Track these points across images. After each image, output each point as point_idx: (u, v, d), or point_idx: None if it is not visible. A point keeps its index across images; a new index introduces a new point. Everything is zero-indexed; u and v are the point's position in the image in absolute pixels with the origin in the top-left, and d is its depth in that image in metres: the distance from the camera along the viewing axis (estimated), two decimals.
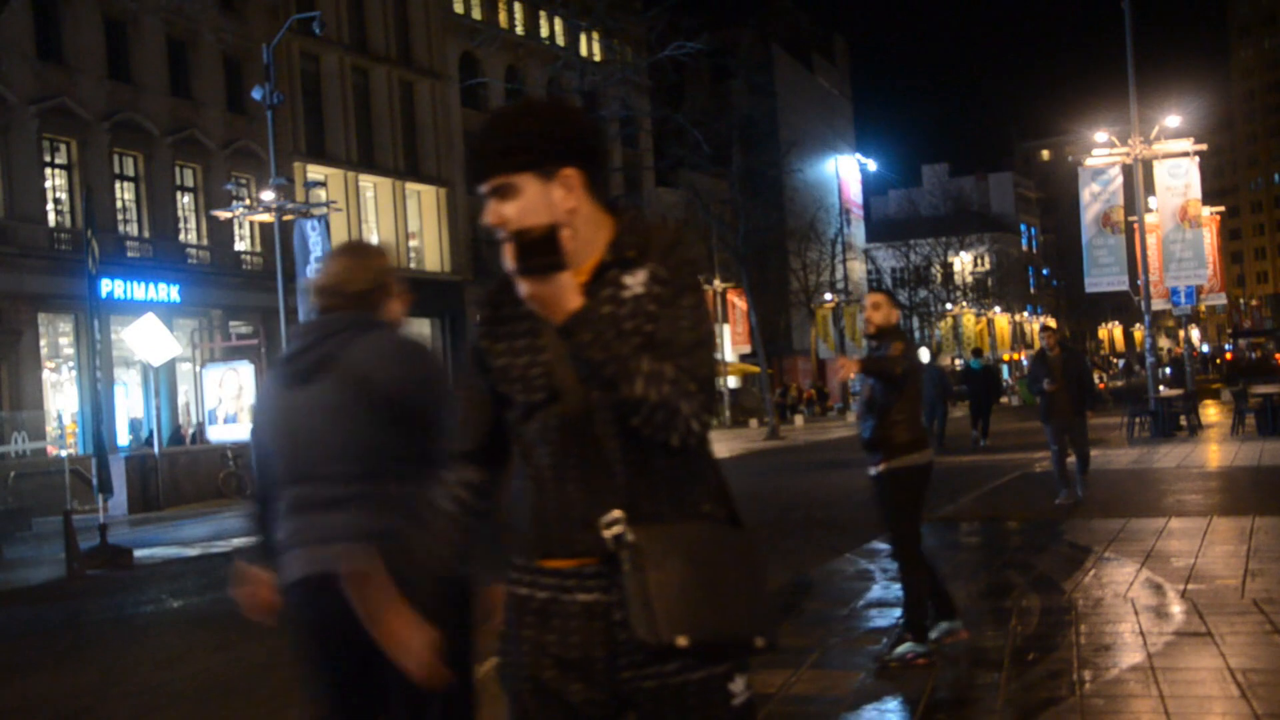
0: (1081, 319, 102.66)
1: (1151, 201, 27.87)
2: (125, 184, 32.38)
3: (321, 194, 29.27)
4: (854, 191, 76.48)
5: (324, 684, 3.13)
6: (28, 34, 29.32)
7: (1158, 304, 30.11)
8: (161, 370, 25.49)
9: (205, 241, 34.29)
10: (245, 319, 34.87)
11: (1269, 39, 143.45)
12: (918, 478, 6.21)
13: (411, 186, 42.55)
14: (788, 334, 62.50)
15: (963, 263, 76.56)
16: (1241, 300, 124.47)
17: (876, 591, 8.33)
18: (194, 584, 11.80)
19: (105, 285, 27.35)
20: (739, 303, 48.32)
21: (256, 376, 23.61)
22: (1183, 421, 23.20)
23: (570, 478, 2.09)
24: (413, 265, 41.80)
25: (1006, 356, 78.34)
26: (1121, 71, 25.20)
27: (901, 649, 6.05)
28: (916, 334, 68.94)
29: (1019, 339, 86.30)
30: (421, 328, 39.31)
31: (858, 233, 76.74)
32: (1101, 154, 26.38)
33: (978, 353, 29.03)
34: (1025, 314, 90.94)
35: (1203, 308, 40.06)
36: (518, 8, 48.85)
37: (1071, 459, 12.89)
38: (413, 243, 42.69)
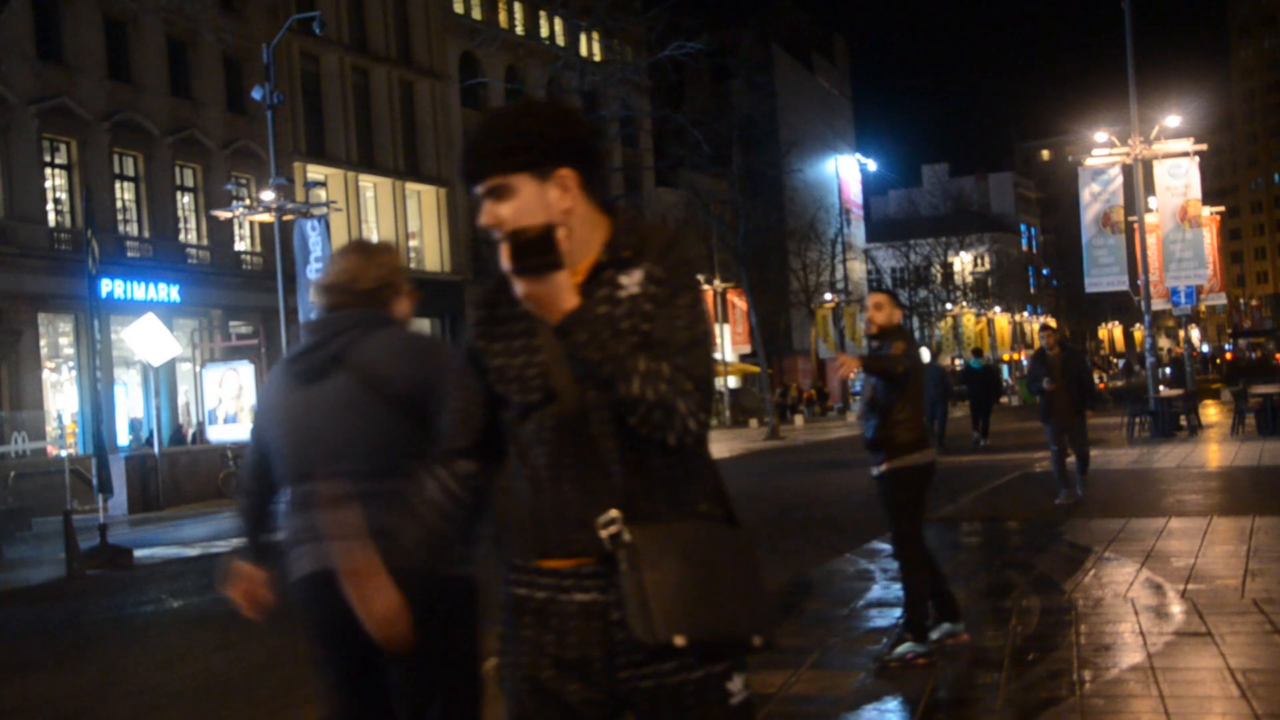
0: (1081, 319, 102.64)
1: (1151, 201, 27.87)
2: (125, 184, 32.38)
3: (321, 194, 29.25)
4: (854, 191, 76.49)
5: (332, 679, 3.16)
6: (28, 34, 29.32)
7: (1158, 304, 30.12)
8: (161, 370, 25.49)
9: (205, 241, 34.29)
10: (245, 319, 34.87)
11: (1269, 39, 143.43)
12: (920, 478, 6.20)
13: (411, 186, 42.56)
14: (788, 334, 62.50)
15: (963, 263, 76.57)
16: (1241, 300, 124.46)
17: (876, 591, 8.33)
18: (194, 584, 11.79)
19: (105, 285, 27.35)
20: (739, 303, 48.34)
21: (256, 376, 23.63)
22: (1183, 421, 23.19)
23: (567, 478, 2.09)
24: (413, 265, 41.75)
25: (1006, 356, 78.36)
26: (1121, 71, 25.22)
27: (901, 649, 6.04)
28: (916, 334, 68.89)
29: (1019, 339, 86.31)
30: (421, 328, 39.23)
31: (858, 233, 76.75)
32: (1101, 154, 26.38)
33: (978, 353, 29.04)
34: (1025, 314, 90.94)
35: (1203, 308, 40.08)
36: (518, 8, 48.86)
37: (1071, 459, 12.89)
38: (413, 243, 42.69)
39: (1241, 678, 5.40)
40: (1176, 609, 7.05)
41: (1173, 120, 28.17)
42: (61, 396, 30.41)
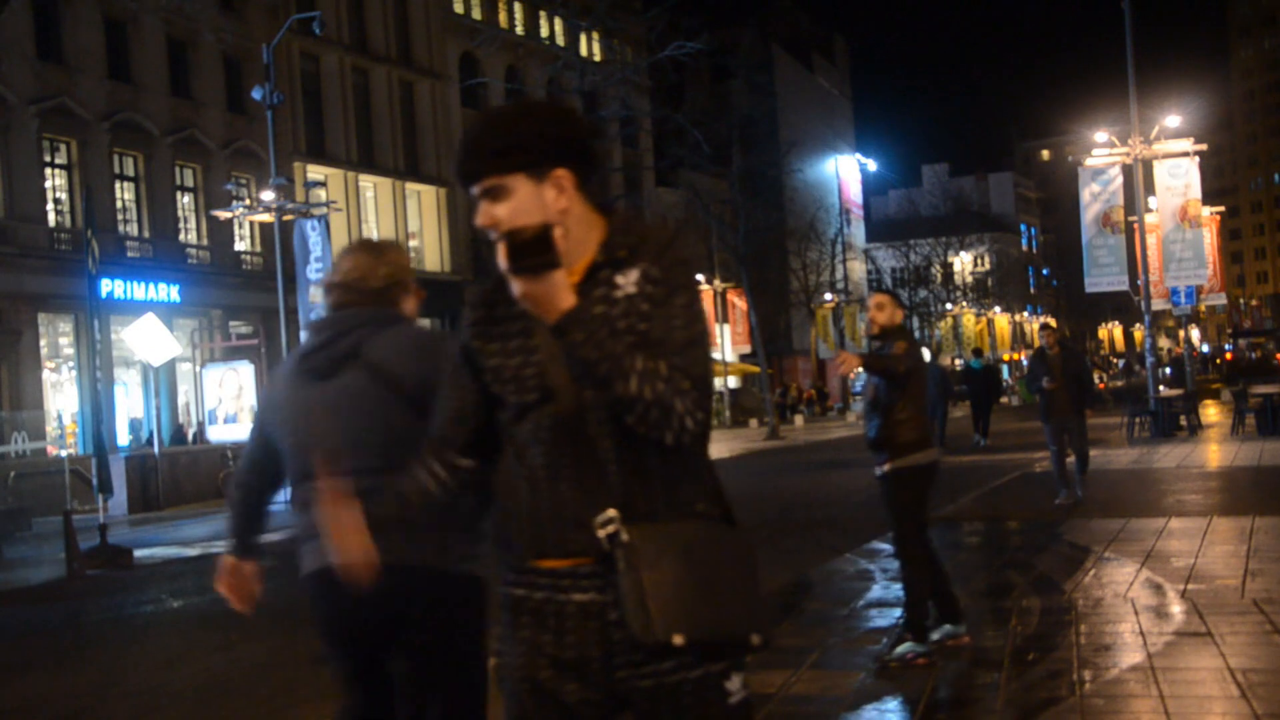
0: (1081, 319, 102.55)
1: (1151, 201, 27.87)
2: (125, 184, 32.38)
3: (321, 194, 29.24)
4: (854, 191, 76.49)
5: (341, 673, 3.20)
6: (28, 34, 29.32)
7: (1158, 304, 30.12)
8: (161, 370, 25.49)
9: (205, 241, 34.29)
10: (245, 319, 34.87)
11: (1269, 39, 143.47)
12: (922, 477, 6.20)
13: (411, 186, 42.57)
14: (788, 334, 62.51)
15: (963, 263, 76.56)
16: (1241, 300, 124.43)
17: (876, 591, 8.33)
18: (194, 584, 11.78)
19: (105, 285, 27.33)
20: (739, 303, 48.33)
21: (256, 376, 23.61)
22: (1183, 421, 23.19)
23: (564, 478, 2.09)
24: (413, 265, 41.79)
25: (1006, 356, 78.33)
26: (1121, 71, 25.22)
27: (901, 649, 6.04)
28: (916, 334, 68.88)
29: (1019, 339, 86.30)
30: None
31: (858, 233, 76.75)
32: (1101, 154, 26.38)
33: (978, 353, 29.05)
34: (1025, 314, 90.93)
35: (1203, 308, 40.07)
36: (518, 8, 48.86)
37: (1071, 459, 12.89)
38: (413, 243, 42.69)
39: (1241, 678, 5.40)
40: (1176, 609, 7.04)
41: (1173, 120, 28.17)
42: (61, 396, 30.41)
